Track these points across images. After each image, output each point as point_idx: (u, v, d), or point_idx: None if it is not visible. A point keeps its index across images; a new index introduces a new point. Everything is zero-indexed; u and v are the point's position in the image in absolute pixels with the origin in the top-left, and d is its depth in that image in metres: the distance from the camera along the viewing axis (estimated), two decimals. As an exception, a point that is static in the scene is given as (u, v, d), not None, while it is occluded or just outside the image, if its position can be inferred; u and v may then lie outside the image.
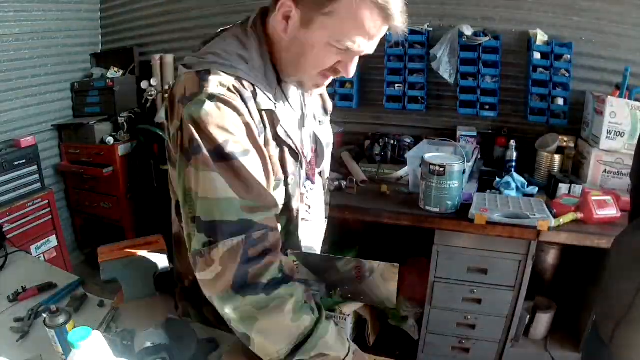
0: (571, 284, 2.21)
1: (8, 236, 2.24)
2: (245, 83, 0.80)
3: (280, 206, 0.87)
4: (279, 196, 0.87)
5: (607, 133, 1.94)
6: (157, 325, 0.91)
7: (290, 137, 0.87)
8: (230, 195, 0.73)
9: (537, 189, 2.05)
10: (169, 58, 2.94)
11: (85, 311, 1.26)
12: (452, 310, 1.98)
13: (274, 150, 0.86)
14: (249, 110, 0.79)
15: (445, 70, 2.30)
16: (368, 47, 0.79)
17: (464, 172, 1.82)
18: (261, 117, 0.83)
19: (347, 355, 0.79)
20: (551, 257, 2.14)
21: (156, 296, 0.98)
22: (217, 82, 0.77)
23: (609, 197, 1.78)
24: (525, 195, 1.99)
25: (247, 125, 0.78)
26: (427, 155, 1.83)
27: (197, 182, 0.74)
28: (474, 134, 2.35)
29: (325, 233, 1.18)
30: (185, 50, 2.96)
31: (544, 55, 2.16)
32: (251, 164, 0.77)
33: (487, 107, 2.33)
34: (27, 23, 2.74)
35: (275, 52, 0.85)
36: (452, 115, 2.45)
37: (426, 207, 1.86)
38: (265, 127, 0.83)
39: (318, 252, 1.05)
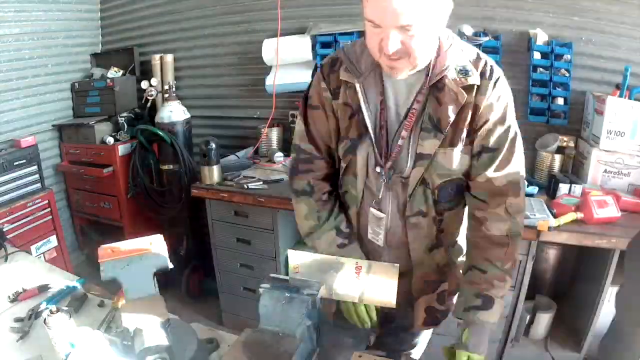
0: (571, 284, 2.21)
1: (8, 236, 2.24)
2: (339, 61, 1.07)
3: (342, 156, 1.13)
4: (340, 149, 1.12)
5: (607, 133, 1.94)
6: (157, 325, 0.91)
7: (361, 110, 1.03)
8: (297, 128, 1.18)
9: (537, 189, 2.05)
10: (169, 58, 2.94)
11: (85, 311, 1.26)
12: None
13: (343, 112, 1.09)
14: (328, 80, 1.09)
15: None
16: (385, 19, 0.85)
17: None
18: (340, 85, 1.07)
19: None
20: (551, 257, 2.14)
21: (156, 296, 0.98)
22: (327, 57, 1.13)
23: (609, 197, 1.78)
24: (526, 195, 1.98)
25: (320, 89, 1.11)
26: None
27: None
28: (474, 134, 2.35)
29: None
30: (185, 50, 2.97)
31: (544, 55, 2.16)
32: (316, 116, 1.13)
33: (487, 107, 2.32)
34: (27, 23, 2.74)
35: None
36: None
37: (426, 207, 1.86)
38: (339, 93, 1.07)
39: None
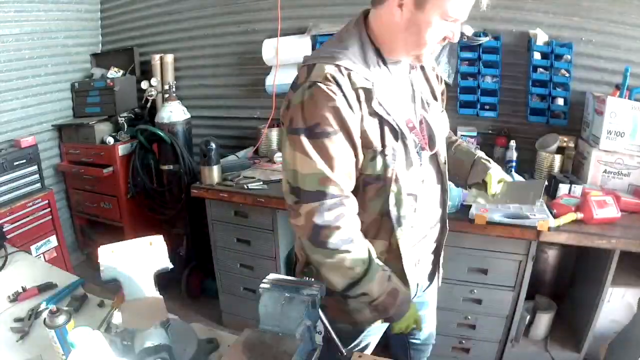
0: (571, 284, 2.21)
1: (8, 236, 2.25)
2: (342, 69, 0.95)
3: (376, 174, 1.01)
4: (375, 166, 1.00)
5: (607, 133, 1.94)
6: (157, 325, 0.91)
7: (388, 113, 0.99)
8: (312, 171, 0.94)
9: (537, 189, 2.04)
10: (169, 58, 2.94)
11: (85, 311, 1.26)
12: (452, 310, 1.97)
13: (370, 124, 0.98)
14: (343, 92, 0.93)
15: (444, 70, 2.30)
16: (466, 12, 0.94)
17: (464, 172, 1.82)
18: (357, 95, 0.96)
19: (379, 296, 1.03)
20: (551, 257, 2.14)
21: (156, 296, 0.98)
22: (319, 72, 0.94)
23: (609, 197, 1.78)
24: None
25: (336, 109, 0.93)
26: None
27: (291, 156, 0.96)
28: (474, 134, 2.35)
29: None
30: (185, 50, 2.97)
31: (544, 55, 2.16)
32: (336, 143, 0.94)
33: (487, 107, 2.32)
34: (27, 23, 2.74)
35: (379, 38, 1.00)
36: (452, 116, 2.42)
37: (426, 207, 1.86)
38: (360, 103, 0.96)
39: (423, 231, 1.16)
